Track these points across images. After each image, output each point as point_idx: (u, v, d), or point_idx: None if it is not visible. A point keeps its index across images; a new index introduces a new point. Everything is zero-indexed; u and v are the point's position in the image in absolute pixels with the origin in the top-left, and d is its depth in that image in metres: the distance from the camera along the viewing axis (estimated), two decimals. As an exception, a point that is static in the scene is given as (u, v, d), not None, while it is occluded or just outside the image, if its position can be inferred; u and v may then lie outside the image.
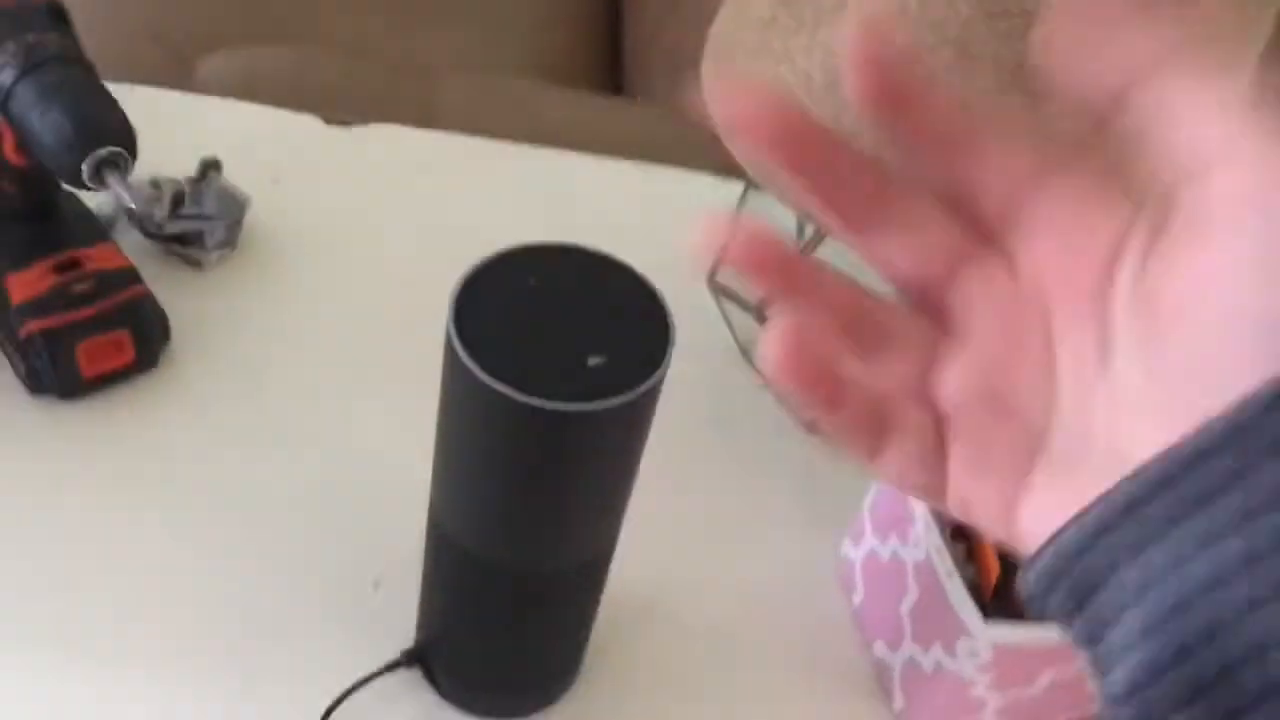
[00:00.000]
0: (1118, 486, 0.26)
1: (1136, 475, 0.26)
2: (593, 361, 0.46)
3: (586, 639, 0.61)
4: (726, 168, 0.82)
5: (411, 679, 0.62)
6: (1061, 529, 0.27)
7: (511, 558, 0.52)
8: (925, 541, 0.61)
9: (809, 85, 0.55)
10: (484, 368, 0.44)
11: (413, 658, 0.61)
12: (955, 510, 0.31)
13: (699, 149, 0.80)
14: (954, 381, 0.31)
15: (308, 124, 0.88)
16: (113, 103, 0.57)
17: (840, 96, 0.54)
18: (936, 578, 0.60)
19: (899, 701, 0.64)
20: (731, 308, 0.79)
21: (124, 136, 0.56)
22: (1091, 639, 0.28)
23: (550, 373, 0.45)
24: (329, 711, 0.59)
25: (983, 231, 0.32)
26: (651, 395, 0.47)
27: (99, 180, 0.56)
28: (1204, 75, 0.27)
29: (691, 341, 0.78)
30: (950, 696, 0.60)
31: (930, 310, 0.32)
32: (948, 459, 0.31)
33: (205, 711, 0.60)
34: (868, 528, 0.67)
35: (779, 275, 0.31)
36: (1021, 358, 0.31)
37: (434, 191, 0.87)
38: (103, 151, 0.55)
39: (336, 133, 0.88)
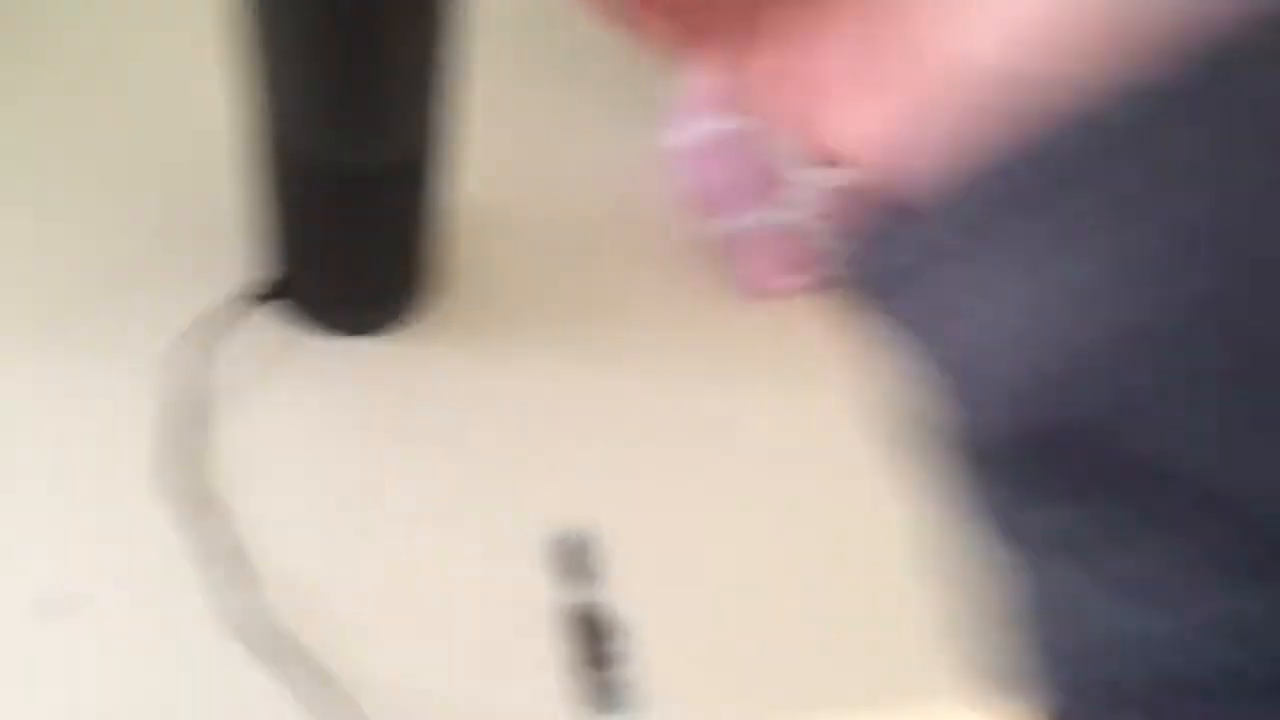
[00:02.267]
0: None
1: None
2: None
3: (435, 244, 0.63)
4: None
5: (269, 311, 0.64)
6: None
7: (325, 149, 0.53)
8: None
9: None
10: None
11: (269, 288, 0.62)
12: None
13: None
14: None
15: None
16: None
17: None
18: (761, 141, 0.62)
19: (743, 267, 0.68)
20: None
21: None
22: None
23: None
24: (181, 342, 0.61)
25: None
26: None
27: None
28: None
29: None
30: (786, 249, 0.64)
31: None
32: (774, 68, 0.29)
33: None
34: (691, 109, 0.69)
35: None
36: None
37: None
38: None
39: None
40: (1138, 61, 0.20)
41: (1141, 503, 0.21)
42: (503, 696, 0.56)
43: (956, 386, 0.23)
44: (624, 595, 0.59)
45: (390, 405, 0.63)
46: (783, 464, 0.64)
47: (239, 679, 0.54)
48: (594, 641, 0.57)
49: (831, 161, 0.27)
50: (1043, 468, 0.22)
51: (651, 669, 0.57)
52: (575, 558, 0.59)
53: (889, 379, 0.26)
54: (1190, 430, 0.20)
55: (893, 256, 0.24)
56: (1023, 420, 0.21)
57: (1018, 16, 0.22)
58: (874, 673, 0.58)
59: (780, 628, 0.59)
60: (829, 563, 0.61)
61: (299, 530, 0.58)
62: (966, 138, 0.22)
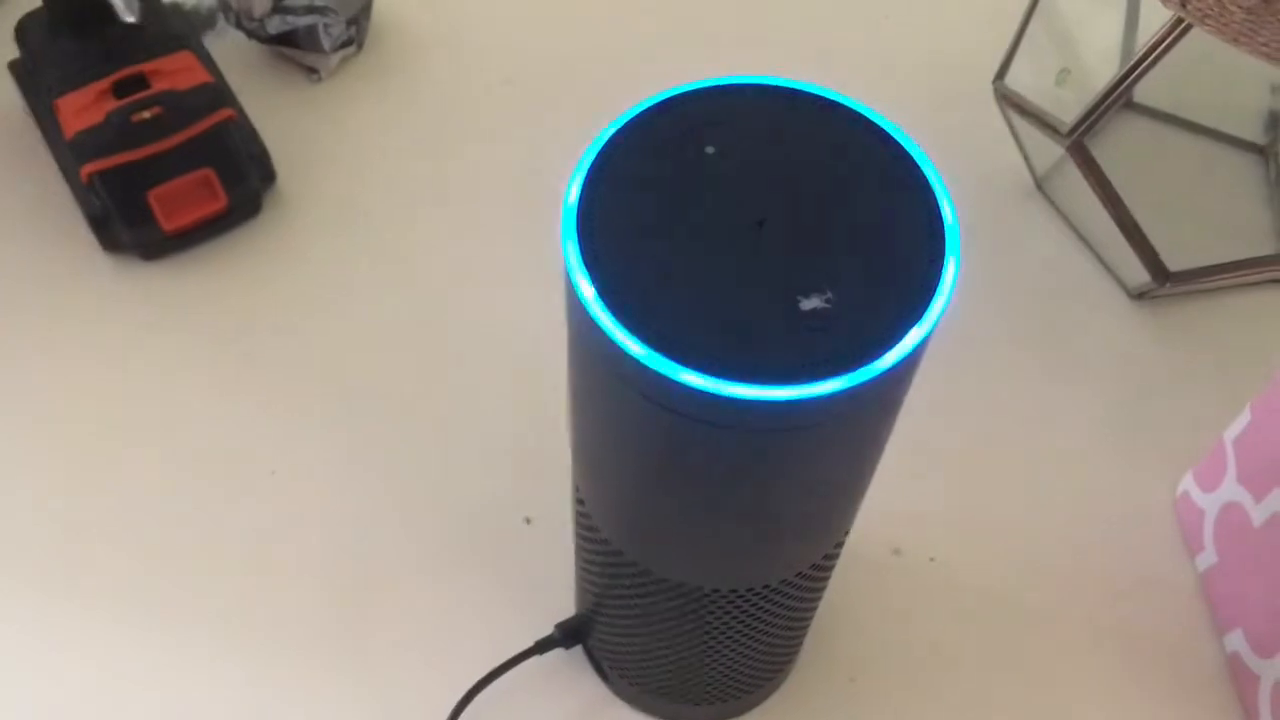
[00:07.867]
0: None
1: None
2: (809, 305, 0.26)
3: (800, 642, 0.43)
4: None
5: (574, 659, 0.46)
6: None
7: (673, 570, 0.34)
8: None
9: None
10: (619, 317, 0.25)
11: (570, 635, 0.45)
12: None
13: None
14: None
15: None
16: None
17: None
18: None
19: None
20: (1024, 126, 0.56)
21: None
22: None
23: (734, 327, 0.25)
24: (468, 697, 0.44)
25: None
26: (914, 359, 0.27)
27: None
28: None
29: (968, 176, 0.58)
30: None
31: None
32: None
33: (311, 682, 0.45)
34: (1231, 470, 0.46)
35: None
36: None
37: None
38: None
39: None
40: None
41: None
42: None
43: None
44: None
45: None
46: None
47: None
48: None
49: None
50: None
51: None
52: None
53: None
54: None
55: None
56: None
57: None
58: None
59: None
60: None
61: None
62: None
